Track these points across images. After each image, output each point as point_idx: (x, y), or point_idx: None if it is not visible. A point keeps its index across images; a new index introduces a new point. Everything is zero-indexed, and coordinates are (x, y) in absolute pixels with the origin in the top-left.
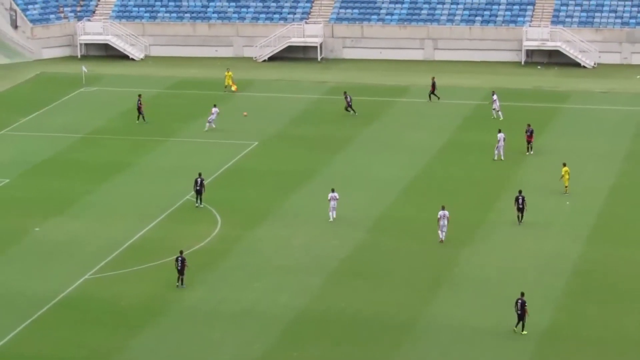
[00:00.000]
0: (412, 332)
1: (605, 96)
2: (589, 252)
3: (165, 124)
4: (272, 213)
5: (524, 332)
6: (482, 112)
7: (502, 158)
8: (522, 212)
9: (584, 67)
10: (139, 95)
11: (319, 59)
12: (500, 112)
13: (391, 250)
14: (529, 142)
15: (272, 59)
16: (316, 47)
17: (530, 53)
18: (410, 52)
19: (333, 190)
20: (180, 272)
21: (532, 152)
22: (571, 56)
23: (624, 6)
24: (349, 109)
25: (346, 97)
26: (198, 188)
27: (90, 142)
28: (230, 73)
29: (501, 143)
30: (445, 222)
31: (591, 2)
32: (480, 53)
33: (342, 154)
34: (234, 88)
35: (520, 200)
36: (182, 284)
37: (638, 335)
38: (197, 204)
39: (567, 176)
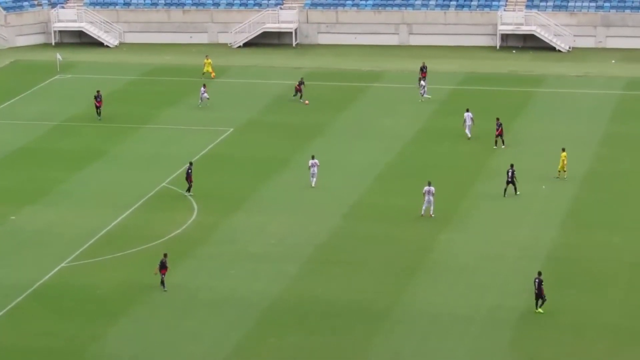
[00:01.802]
0: (389, 319)
1: (580, 80)
2: (565, 237)
3: (141, 111)
4: (248, 200)
5: (540, 311)
6: (458, 97)
7: (469, 137)
8: (514, 185)
9: (559, 51)
10: (98, 91)
11: (293, 45)
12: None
13: (367, 237)
14: (499, 136)
15: (247, 45)
16: (291, 32)
17: (505, 37)
18: (385, 37)
19: (313, 157)
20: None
21: (504, 147)
22: (546, 40)
23: None
24: (297, 94)
25: (300, 84)
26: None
27: (65, 130)
28: (209, 60)
29: (468, 122)
30: (430, 198)
31: None
32: (455, 38)
33: (317, 140)
34: (212, 75)
35: (510, 174)
36: (164, 286)
37: (614, 319)
38: (186, 193)
39: (565, 161)
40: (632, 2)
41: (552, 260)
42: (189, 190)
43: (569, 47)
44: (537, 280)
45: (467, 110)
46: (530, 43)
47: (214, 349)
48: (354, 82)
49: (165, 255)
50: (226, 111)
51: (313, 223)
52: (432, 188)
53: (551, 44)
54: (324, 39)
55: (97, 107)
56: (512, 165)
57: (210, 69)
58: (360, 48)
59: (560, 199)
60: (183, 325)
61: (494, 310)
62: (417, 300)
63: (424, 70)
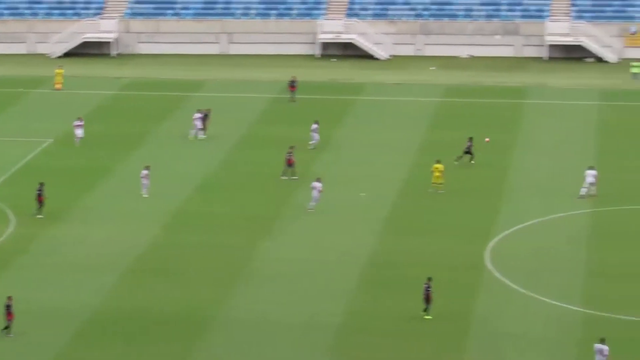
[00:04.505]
0: (210, 327)
1: (399, 88)
2: (383, 243)
3: None
4: (69, 211)
5: (428, 317)
6: (279, 105)
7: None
8: None
9: (379, 59)
10: None
11: (114, 55)
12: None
13: (188, 246)
14: (289, 165)
15: (66, 55)
16: (111, 42)
17: (325, 46)
18: (205, 47)
19: (146, 168)
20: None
21: (296, 177)
22: (365, 48)
23: None
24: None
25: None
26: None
27: None
28: (61, 70)
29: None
30: (316, 194)
31: None
32: (276, 46)
33: (139, 150)
34: (57, 86)
35: None
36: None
37: (432, 324)
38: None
39: (437, 173)
40: (451, 10)
41: (371, 266)
42: (38, 210)
43: (389, 55)
44: (426, 285)
45: (315, 122)
46: (350, 51)
47: None
48: (175, 92)
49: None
50: (45, 122)
51: (134, 233)
52: (319, 184)
53: (371, 52)
54: (144, 49)
55: None
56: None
57: (60, 79)
58: (181, 57)
59: (379, 205)
60: None
61: (314, 316)
62: (237, 308)
63: (294, 84)
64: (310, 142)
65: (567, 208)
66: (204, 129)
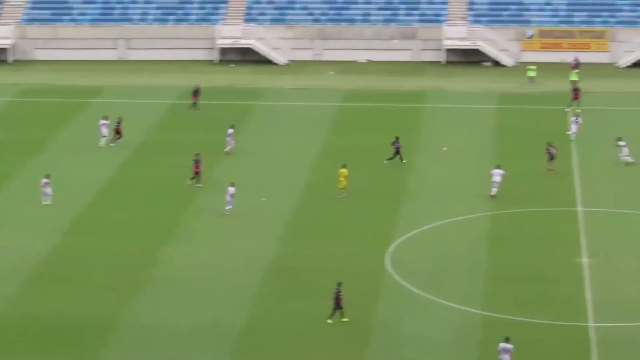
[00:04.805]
0: (112, 334)
1: (299, 92)
2: (286, 248)
3: None
4: None
5: (331, 321)
6: (178, 111)
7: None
8: None
9: (277, 64)
10: None
11: (10, 61)
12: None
13: (89, 253)
14: (196, 173)
15: None
16: (7, 49)
17: (223, 51)
18: (103, 52)
19: (46, 176)
20: None
21: (200, 185)
22: (264, 53)
23: (315, 3)
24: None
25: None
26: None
27: None
28: None
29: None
30: (229, 198)
31: (283, 0)
32: (174, 52)
33: (38, 156)
34: None
35: None
36: None
37: (329, 323)
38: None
39: (341, 177)
40: (348, 15)
41: (274, 270)
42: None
43: (288, 60)
44: (336, 291)
45: (231, 127)
46: (249, 56)
47: None
48: (74, 98)
49: None
50: None
51: (34, 240)
52: (232, 188)
53: (269, 57)
54: (42, 55)
55: None
56: None
57: None
58: (79, 63)
59: (280, 210)
60: None
61: (216, 321)
62: (140, 314)
63: (197, 92)
64: (227, 148)
65: (466, 211)
66: (109, 136)
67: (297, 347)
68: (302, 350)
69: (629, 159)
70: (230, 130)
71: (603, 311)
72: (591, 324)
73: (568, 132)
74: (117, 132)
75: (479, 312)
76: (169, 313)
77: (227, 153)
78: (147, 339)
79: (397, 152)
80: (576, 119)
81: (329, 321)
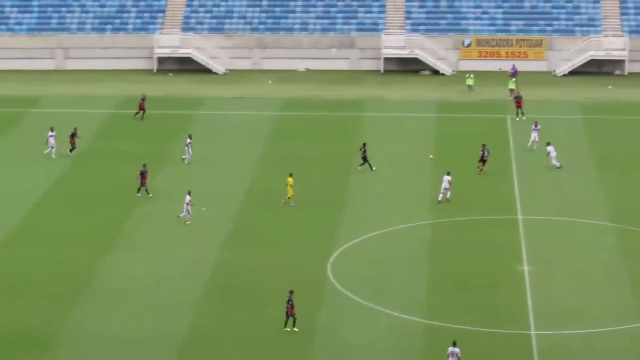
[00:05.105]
0: (53, 345)
1: (237, 101)
2: (227, 256)
3: None
4: None
5: (291, 329)
6: (116, 120)
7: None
8: None
9: (216, 73)
10: None
11: None
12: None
13: (28, 263)
14: (143, 184)
15: None
16: None
17: (162, 60)
18: (41, 62)
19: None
20: None
21: (151, 195)
22: (202, 63)
23: (253, 12)
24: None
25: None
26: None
27: None
28: None
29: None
30: (185, 207)
31: (220, 9)
32: (112, 61)
33: None
34: None
35: None
36: None
37: (271, 331)
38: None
39: (289, 187)
40: (286, 24)
41: (216, 278)
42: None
43: (226, 69)
44: (288, 299)
45: (189, 136)
46: (187, 66)
47: None
48: (11, 108)
49: None
50: None
51: None
52: (188, 197)
53: (208, 66)
54: None
55: None
56: None
57: None
58: (16, 73)
59: (221, 219)
60: None
61: (159, 330)
62: (81, 324)
63: (143, 102)
64: (184, 157)
65: (407, 219)
66: (57, 147)
67: (241, 355)
68: (245, 358)
69: (557, 164)
70: (188, 140)
71: (543, 318)
72: (532, 332)
73: (530, 141)
74: (72, 142)
75: (420, 320)
76: (112, 323)
77: (186, 162)
78: (90, 349)
79: (364, 159)
80: (535, 126)
81: (286, 329)
